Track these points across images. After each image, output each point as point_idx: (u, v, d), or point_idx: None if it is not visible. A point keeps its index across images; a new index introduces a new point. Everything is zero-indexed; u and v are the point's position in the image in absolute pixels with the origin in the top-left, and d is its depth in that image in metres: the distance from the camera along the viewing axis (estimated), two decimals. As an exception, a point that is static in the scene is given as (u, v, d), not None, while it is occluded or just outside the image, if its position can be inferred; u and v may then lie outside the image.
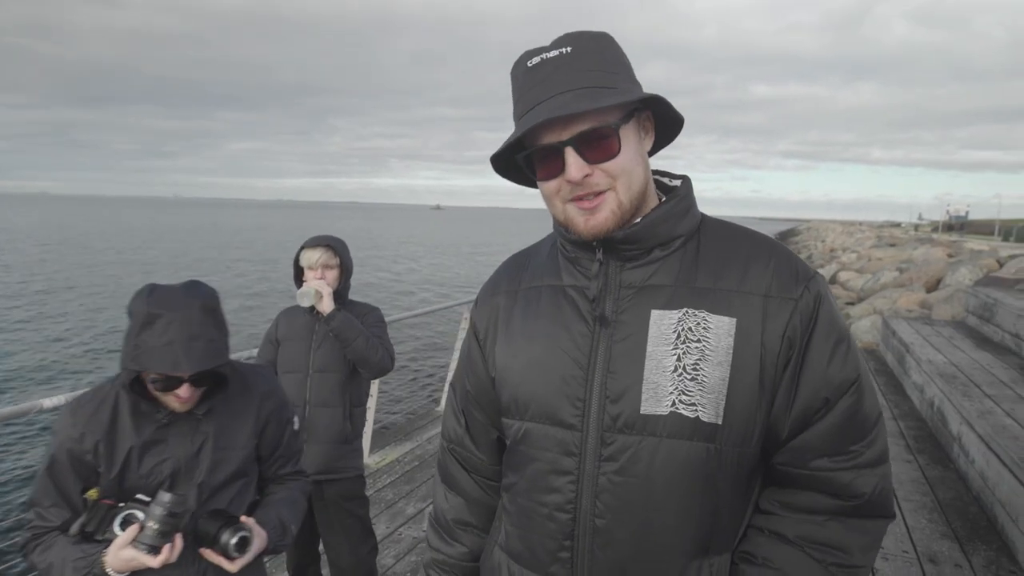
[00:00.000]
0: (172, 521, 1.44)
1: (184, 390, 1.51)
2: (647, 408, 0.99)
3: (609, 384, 1.01)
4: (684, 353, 0.99)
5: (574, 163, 0.98)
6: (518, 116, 1.02)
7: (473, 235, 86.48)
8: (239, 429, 1.66)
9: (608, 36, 1.03)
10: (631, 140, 1.01)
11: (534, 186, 1.08)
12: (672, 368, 0.99)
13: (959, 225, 57.46)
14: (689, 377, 0.98)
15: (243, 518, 1.58)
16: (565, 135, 0.98)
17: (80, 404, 1.57)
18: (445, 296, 23.09)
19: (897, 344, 7.46)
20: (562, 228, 1.09)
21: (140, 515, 1.47)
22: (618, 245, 1.04)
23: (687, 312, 1.00)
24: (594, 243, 1.04)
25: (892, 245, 30.02)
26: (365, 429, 4.21)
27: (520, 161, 1.04)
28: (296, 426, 1.86)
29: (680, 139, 1.14)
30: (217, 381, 1.58)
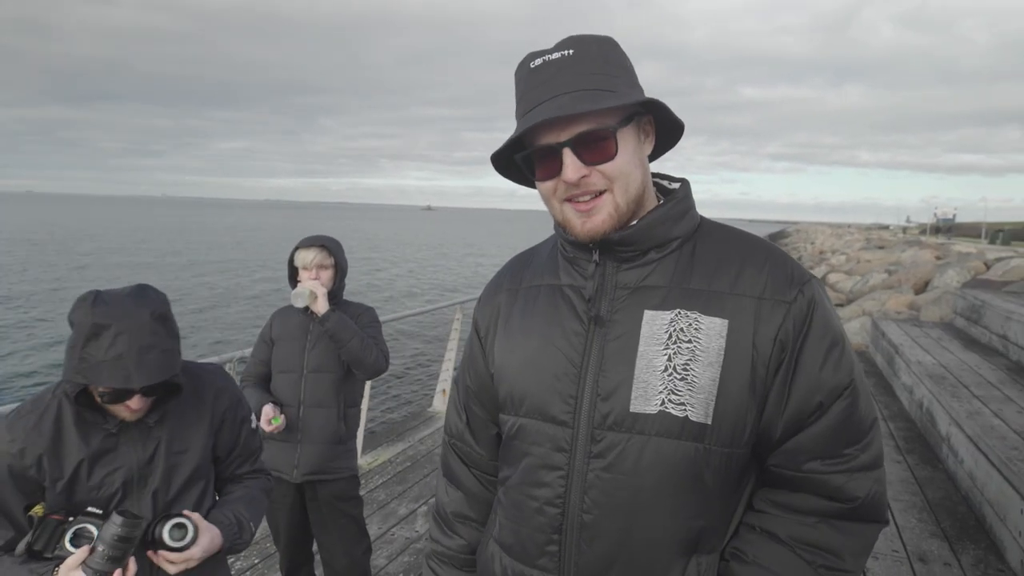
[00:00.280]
0: (123, 546, 1.35)
1: (135, 401, 1.45)
2: (636, 406, 1.00)
3: (601, 382, 1.03)
4: (675, 353, 1.00)
5: (571, 164, 0.99)
6: (519, 116, 1.03)
7: (464, 236, 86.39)
8: (193, 432, 1.60)
9: (611, 40, 1.05)
10: (629, 143, 1.02)
11: (533, 186, 1.09)
12: (662, 368, 1.00)
13: (946, 228, 57.96)
14: (679, 377, 0.99)
15: (185, 512, 1.51)
16: (564, 136, 0.99)
17: (18, 417, 1.49)
18: (437, 297, 23.07)
19: (886, 345, 7.52)
20: (561, 228, 1.10)
21: (92, 528, 1.40)
22: (614, 247, 1.05)
23: (680, 313, 1.01)
24: (590, 244, 1.06)
25: (881, 247, 30.26)
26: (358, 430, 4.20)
27: (519, 161, 1.06)
28: (254, 424, 1.79)
29: (671, 141, 1.14)
30: (169, 389, 1.51)
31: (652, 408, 0.99)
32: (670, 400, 0.99)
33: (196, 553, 1.48)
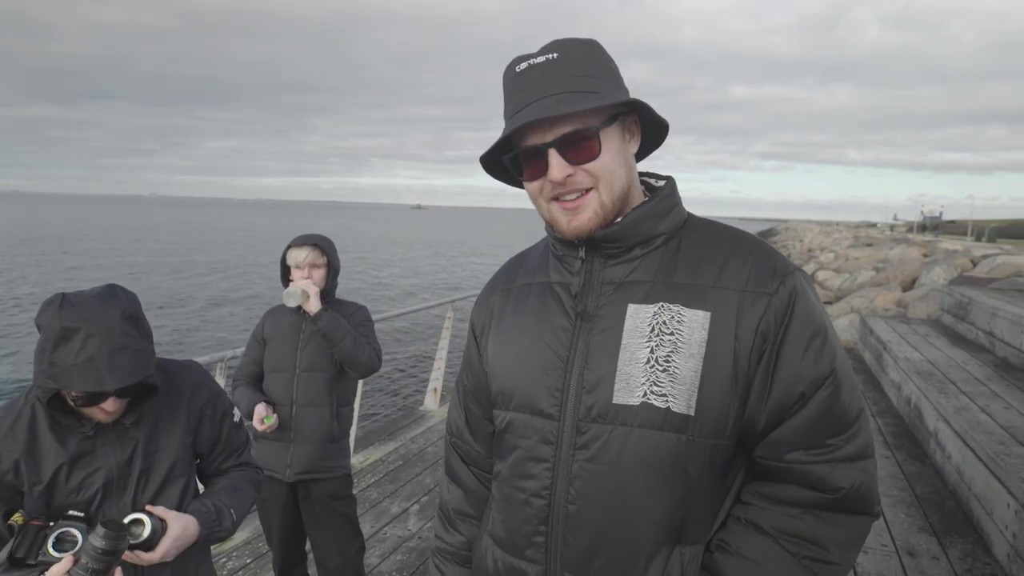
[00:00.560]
0: (107, 559, 1.31)
1: (110, 403, 1.43)
2: (619, 398, 1.02)
3: (586, 375, 1.05)
4: (657, 345, 1.01)
5: (557, 164, 1.02)
6: (507, 119, 1.06)
7: (454, 235, 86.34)
8: (171, 430, 1.58)
9: (595, 43, 1.07)
10: (613, 143, 1.04)
11: (521, 186, 1.12)
12: (645, 360, 1.01)
13: (933, 225, 58.42)
14: (661, 368, 1.00)
15: (148, 507, 1.48)
16: (548, 137, 1.02)
17: None
18: (429, 296, 23.03)
19: (875, 342, 7.58)
20: (550, 227, 1.13)
21: (76, 532, 1.38)
22: (600, 244, 1.07)
23: (663, 306, 1.03)
24: (577, 242, 1.09)
25: (869, 245, 30.47)
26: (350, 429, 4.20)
27: (506, 162, 1.08)
28: (237, 418, 1.77)
29: (660, 140, 1.16)
30: (144, 390, 1.49)
31: (635, 400, 1.01)
32: (652, 391, 1.00)
33: (166, 544, 1.44)
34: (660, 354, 1.01)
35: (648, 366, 1.01)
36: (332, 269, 2.74)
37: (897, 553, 3.53)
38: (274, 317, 2.81)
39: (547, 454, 1.07)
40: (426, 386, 6.89)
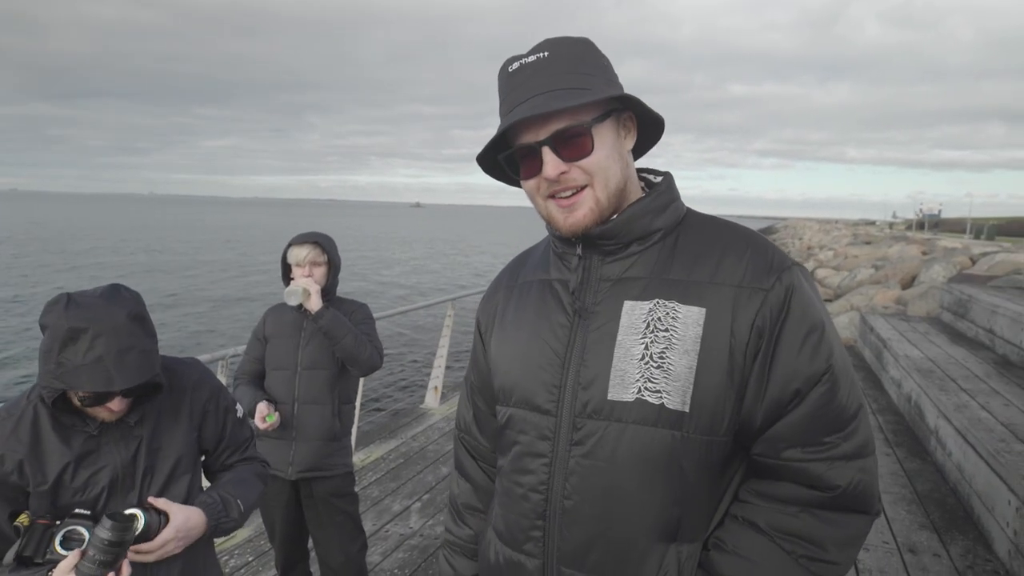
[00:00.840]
0: (115, 550, 1.33)
1: (116, 403, 1.44)
2: (614, 394, 1.02)
3: (582, 372, 1.05)
4: (652, 342, 1.01)
5: (550, 161, 1.02)
6: (501, 118, 1.06)
7: (454, 232, 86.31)
8: (174, 427, 1.59)
9: (587, 41, 1.08)
10: (607, 139, 1.04)
11: (519, 185, 1.12)
12: (639, 356, 1.01)
13: (932, 223, 58.43)
14: (655, 365, 1.00)
15: (151, 499, 1.50)
16: (542, 135, 1.02)
17: None
18: (430, 294, 23.03)
19: (875, 340, 7.59)
20: (548, 224, 1.13)
21: (82, 530, 1.39)
22: (596, 240, 1.08)
23: (658, 303, 1.03)
24: (573, 239, 1.09)
25: (868, 243, 30.48)
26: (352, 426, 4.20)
27: (502, 161, 1.09)
28: (240, 413, 1.77)
29: (658, 137, 1.15)
30: (149, 389, 1.50)
31: (629, 396, 1.01)
32: (646, 388, 1.00)
33: (166, 534, 1.45)
34: (655, 351, 1.01)
35: (642, 363, 1.01)
36: (333, 267, 2.74)
37: (898, 550, 3.53)
38: (275, 315, 2.81)
39: (544, 449, 1.08)
40: (427, 384, 6.89)
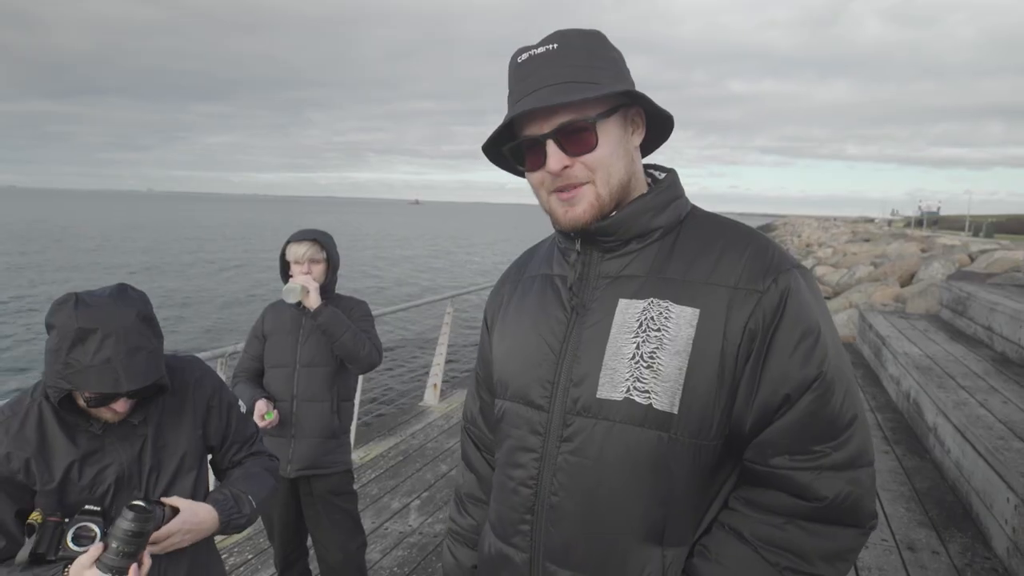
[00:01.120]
0: (137, 540, 1.33)
1: (120, 404, 1.43)
2: (603, 393, 1.01)
3: (574, 368, 1.05)
4: (643, 341, 1.00)
5: (554, 155, 1.01)
6: (508, 108, 1.06)
7: (454, 229, 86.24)
8: (178, 425, 1.59)
9: (598, 34, 1.06)
10: (612, 135, 1.03)
11: (522, 175, 1.11)
12: (630, 355, 1.01)
13: (931, 221, 58.46)
14: (645, 365, 0.99)
15: (163, 498, 1.50)
16: (547, 128, 1.01)
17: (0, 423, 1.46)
18: (429, 291, 23.03)
19: (874, 337, 7.59)
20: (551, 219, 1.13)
21: (93, 526, 1.39)
22: (595, 237, 1.07)
23: (652, 302, 1.02)
24: (572, 234, 1.09)
25: (867, 240, 30.51)
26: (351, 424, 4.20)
27: (506, 152, 1.08)
28: (243, 408, 1.77)
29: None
30: (155, 389, 1.50)
31: (618, 395, 1.00)
32: (635, 387, 0.99)
33: (171, 527, 1.45)
34: (645, 350, 1.00)
35: (633, 362, 1.00)
36: (331, 264, 2.73)
37: (897, 547, 3.54)
38: (274, 312, 2.80)
39: (535, 444, 1.08)
40: (426, 381, 6.89)
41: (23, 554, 1.37)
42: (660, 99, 1.04)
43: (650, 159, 1.17)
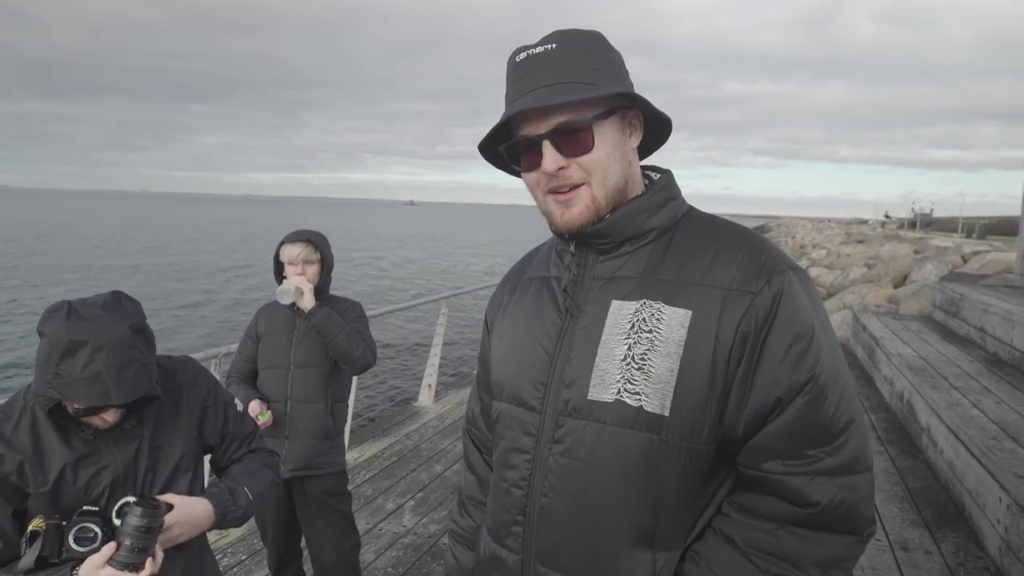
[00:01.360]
0: (149, 536, 1.35)
1: (110, 414, 1.42)
2: (594, 394, 1.01)
3: (566, 370, 1.05)
4: (635, 343, 1.00)
5: (549, 156, 1.01)
6: (506, 107, 1.05)
7: (448, 230, 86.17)
8: (174, 426, 1.58)
9: (597, 34, 1.06)
10: (609, 136, 1.02)
11: (518, 175, 1.11)
12: (621, 357, 1.00)
13: (924, 222, 58.70)
14: (636, 367, 0.99)
15: (157, 496, 1.49)
16: (543, 128, 1.01)
17: None
18: (423, 292, 22.98)
19: (867, 338, 7.62)
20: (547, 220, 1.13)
21: (94, 527, 1.39)
22: (590, 239, 1.07)
23: (644, 303, 1.01)
24: (566, 236, 1.09)
25: (860, 242, 30.63)
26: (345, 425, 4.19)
27: (502, 152, 1.08)
28: (240, 407, 1.77)
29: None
30: (143, 400, 1.48)
31: (608, 396, 1.00)
32: (626, 389, 0.99)
33: (170, 520, 1.45)
34: (637, 352, 0.99)
35: (624, 363, 0.99)
36: (325, 265, 2.73)
37: (890, 547, 3.55)
38: (268, 313, 2.80)
39: (528, 446, 1.08)
40: (420, 382, 6.88)
41: (28, 560, 1.35)
42: (657, 100, 1.04)
43: (646, 161, 1.17)
